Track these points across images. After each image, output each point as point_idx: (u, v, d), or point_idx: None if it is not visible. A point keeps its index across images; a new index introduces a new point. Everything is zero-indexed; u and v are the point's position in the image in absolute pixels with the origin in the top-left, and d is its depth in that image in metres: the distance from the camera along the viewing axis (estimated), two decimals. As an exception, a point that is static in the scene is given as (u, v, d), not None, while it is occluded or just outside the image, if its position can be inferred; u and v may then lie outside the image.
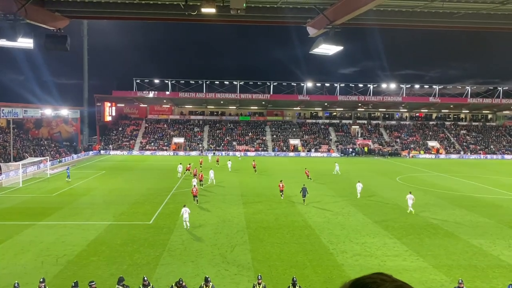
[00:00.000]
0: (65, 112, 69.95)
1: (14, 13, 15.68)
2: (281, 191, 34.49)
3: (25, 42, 16.20)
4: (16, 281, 13.92)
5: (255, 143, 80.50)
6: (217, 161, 57.59)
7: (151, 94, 79.76)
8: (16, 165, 43.24)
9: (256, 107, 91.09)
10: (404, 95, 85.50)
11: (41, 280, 14.02)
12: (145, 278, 14.40)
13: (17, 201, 32.85)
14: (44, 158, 51.17)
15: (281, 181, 35.25)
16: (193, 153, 74.73)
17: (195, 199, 31.93)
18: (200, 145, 78.83)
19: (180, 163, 47.08)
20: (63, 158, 60.78)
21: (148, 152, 75.48)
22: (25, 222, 26.09)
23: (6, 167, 43.34)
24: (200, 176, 39.49)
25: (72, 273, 17.79)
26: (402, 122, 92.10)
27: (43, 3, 18.03)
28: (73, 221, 26.49)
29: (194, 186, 33.80)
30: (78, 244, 21.71)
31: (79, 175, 46.71)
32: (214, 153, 69.87)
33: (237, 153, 72.38)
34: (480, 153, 79.42)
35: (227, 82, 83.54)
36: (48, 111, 64.11)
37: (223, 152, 74.87)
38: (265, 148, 78.83)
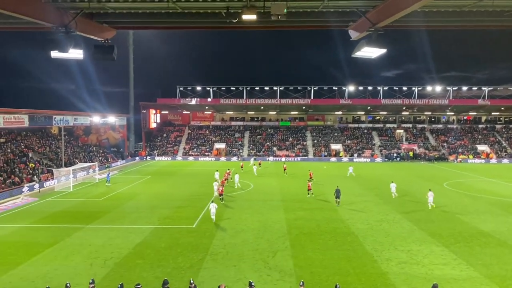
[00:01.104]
0: (112, 119, 72.63)
1: (65, 25, 16.52)
2: (309, 190, 37.73)
3: (76, 53, 17.01)
4: (68, 282, 14.53)
5: (295, 148, 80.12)
6: (241, 166, 59.06)
7: (193, 101, 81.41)
8: (67, 170, 45.27)
9: (297, 112, 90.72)
10: (450, 98, 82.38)
11: (91, 281, 14.55)
12: (192, 281, 14.62)
13: (68, 205, 34.38)
14: (92, 163, 53.30)
15: (308, 180, 39.99)
16: (234, 158, 75.33)
17: (221, 198, 34.76)
18: (240, 151, 79.40)
19: (217, 170, 46.05)
20: (110, 164, 63.02)
21: (191, 158, 76.91)
22: (75, 225, 27.24)
23: (58, 173, 45.47)
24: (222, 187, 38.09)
25: (119, 275, 18.36)
26: (449, 126, 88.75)
27: (92, 15, 18.89)
28: (120, 225, 27.38)
29: (222, 186, 36.76)
30: (125, 247, 22.40)
31: (125, 180, 48.27)
32: (255, 158, 70.04)
33: (251, 159, 68.70)
34: (535, 158, 75.10)
35: (267, 88, 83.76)
36: (96, 119, 66.81)
37: (266, 157, 74.90)
38: (305, 153, 78.27)
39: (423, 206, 33.22)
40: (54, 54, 17.02)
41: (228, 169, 49.00)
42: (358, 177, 50.17)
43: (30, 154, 51.43)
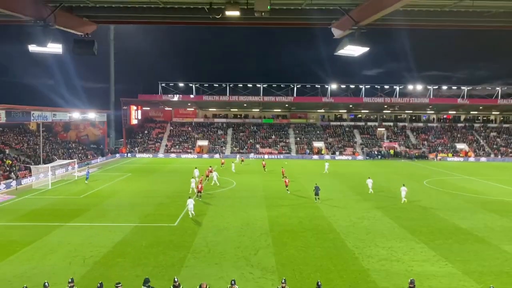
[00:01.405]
0: (92, 115, 71.51)
1: (44, 19, 16.10)
2: (286, 186, 38.88)
3: (54, 47, 16.60)
4: (46, 281, 14.20)
5: (278, 145, 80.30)
6: (222, 163, 59.75)
7: (175, 98, 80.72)
8: (45, 167, 44.40)
9: (280, 110, 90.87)
10: (431, 97, 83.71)
11: (70, 280, 14.26)
12: (176, 279, 14.48)
13: (46, 202, 33.69)
14: (72, 160, 52.38)
15: (286, 177, 41.82)
16: (216, 156, 75.02)
17: (199, 194, 34.93)
18: (223, 148, 79.20)
19: (196, 167, 46.06)
20: (90, 161, 62.07)
21: (173, 155, 76.33)
22: (53, 223, 26.69)
23: (36, 170, 44.54)
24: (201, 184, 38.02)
25: (99, 274, 18.05)
26: (429, 124, 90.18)
27: (71, 9, 18.47)
28: (100, 223, 26.96)
29: (201, 184, 36.95)
30: (105, 246, 22.05)
31: (106, 177, 47.58)
32: (241, 156, 70.21)
33: (237, 156, 70.29)
34: (511, 156, 76.92)
35: (250, 85, 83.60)
36: (76, 115, 65.70)
37: (248, 154, 74.82)
38: (288, 151, 78.50)
39: (404, 204, 33.65)
40: (32, 48, 16.57)
41: (210, 166, 48.79)
42: (339, 175, 50.53)
43: (7, 151, 50.24)
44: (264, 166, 55.29)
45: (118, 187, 41.37)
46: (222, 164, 57.91)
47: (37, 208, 31.55)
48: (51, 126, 66.53)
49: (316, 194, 34.43)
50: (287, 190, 38.52)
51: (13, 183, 41.05)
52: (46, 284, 13.96)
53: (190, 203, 28.83)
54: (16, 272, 18.23)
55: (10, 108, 49.12)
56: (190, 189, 37.61)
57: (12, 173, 43.58)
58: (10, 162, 46.55)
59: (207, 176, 44.60)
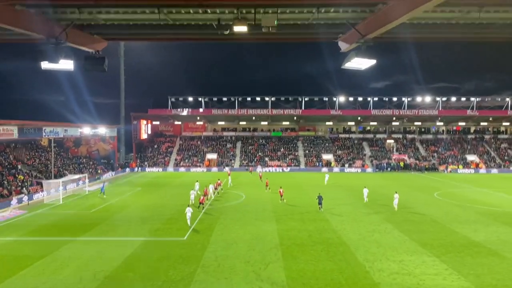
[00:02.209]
0: (102, 130, 72.20)
1: (56, 36, 16.49)
2: (281, 196, 40.35)
3: (66, 64, 16.96)
4: None
5: (287, 158, 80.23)
6: (229, 174, 60.10)
7: (185, 112, 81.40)
8: (56, 182, 44.79)
9: (288, 123, 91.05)
10: (440, 108, 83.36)
11: (80, 295, 14.33)
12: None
13: (57, 217, 33.95)
14: (82, 175, 52.82)
15: (280, 187, 42.08)
16: (226, 169, 75.08)
17: (200, 206, 36.48)
18: (232, 161, 79.35)
19: (197, 181, 46.91)
20: (101, 176, 62.53)
21: (182, 169, 76.61)
22: (64, 238, 26.88)
23: (47, 185, 44.96)
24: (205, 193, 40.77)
25: (109, 288, 18.10)
26: (439, 136, 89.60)
27: (82, 27, 18.89)
28: (110, 237, 27.08)
29: (204, 196, 38.83)
30: (115, 260, 22.12)
31: (116, 192, 47.86)
32: (261, 169, 71.99)
33: (259, 169, 72.42)
34: (523, 167, 76.00)
35: (259, 98, 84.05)
36: (86, 130, 66.41)
37: (258, 167, 74.96)
38: (297, 164, 78.39)
39: (414, 216, 33.36)
40: (45, 65, 16.96)
41: (219, 179, 48.84)
42: (348, 187, 50.22)
43: (19, 166, 50.87)
44: (261, 177, 57.34)
45: (128, 201, 41.57)
46: (228, 175, 57.87)
47: (48, 223, 31.80)
48: (62, 142, 67.30)
49: (320, 203, 35.72)
50: (282, 199, 40.04)
51: (25, 198, 41.47)
52: None
53: (188, 211, 30.30)
54: (27, 287, 18.35)
55: (23, 124, 49.86)
56: (190, 200, 38.31)
57: (24, 188, 44.05)
58: (22, 177, 47.09)
59: (216, 188, 44.64)
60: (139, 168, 76.79)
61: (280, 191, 41.11)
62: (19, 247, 24.91)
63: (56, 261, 22.00)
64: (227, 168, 73.32)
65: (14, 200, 39.96)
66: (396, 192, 37.94)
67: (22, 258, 22.52)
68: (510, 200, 41.81)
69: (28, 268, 20.90)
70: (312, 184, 54.09)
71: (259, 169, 72.27)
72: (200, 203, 36.55)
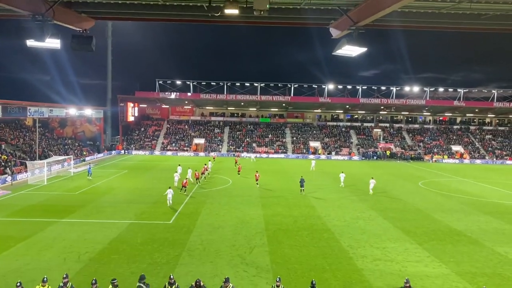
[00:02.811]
0: (89, 112, 71.29)
1: (42, 14, 16.06)
2: (257, 180, 41.07)
3: (53, 43, 16.56)
4: (19, 281, 13.99)
5: (275, 145, 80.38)
6: (214, 158, 62.50)
7: (173, 95, 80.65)
8: (41, 163, 44.25)
9: (277, 109, 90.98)
10: (427, 98, 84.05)
11: (65, 276, 14.24)
12: (171, 277, 14.46)
13: (42, 198, 33.60)
14: (68, 156, 52.23)
15: (256, 171, 42.95)
16: (212, 154, 74.98)
17: (183, 189, 36.08)
18: (219, 146, 79.24)
19: (179, 165, 47.19)
20: (86, 157, 61.93)
21: (169, 153, 76.27)
22: (49, 219, 26.65)
23: (31, 165, 44.38)
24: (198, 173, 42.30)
25: (94, 270, 18.06)
26: (425, 126, 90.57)
27: (70, 4, 18.43)
28: (95, 219, 26.93)
29: (186, 179, 38.61)
30: (100, 242, 22.04)
31: (102, 174, 47.49)
32: (255, 156, 72.50)
33: (252, 155, 72.55)
34: (506, 159, 77.40)
35: (248, 84, 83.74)
36: (72, 111, 65.52)
37: (245, 154, 75.04)
38: (284, 150, 78.61)
39: (398, 205, 33.84)
40: (30, 43, 16.53)
41: (205, 164, 48.79)
42: (334, 175, 50.56)
43: (3, 146, 50.04)
44: (236, 162, 57.40)
45: (114, 184, 41.31)
46: (213, 158, 58.53)
47: (32, 203, 31.48)
48: (47, 122, 66.30)
49: (302, 186, 37.27)
50: (257, 184, 41.02)
51: (9, 178, 40.91)
52: (18, 284, 13.76)
53: (169, 193, 31.20)
54: (11, 268, 18.20)
55: (6, 103, 48.90)
56: (174, 182, 39.15)
57: (8, 169, 43.42)
58: (6, 157, 46.37)
59: (203, 173, 44.54)
60: (126, 151, 76.20)
61: (256, 175, 41.76)
62: (2, 228, 24.63)
63: (40, 242, 21.84)
64: (213, 153, 73.33)
65: (-3, 180, 39.39)
66: (372, 178, 40.03)
67: (5, 239, 22.29)
68: (492, 191, 42.64)
69: (12, 249, 20.71)
70: (298, 171, 54.24)
71: (251, 155, 72.12)
72: (183, 186, 36.38)
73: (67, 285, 13.80)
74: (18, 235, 22.94)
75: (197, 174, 41.92)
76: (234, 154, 72.93)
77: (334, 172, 52.85)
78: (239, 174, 48.31)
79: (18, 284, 13.64)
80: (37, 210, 29.43)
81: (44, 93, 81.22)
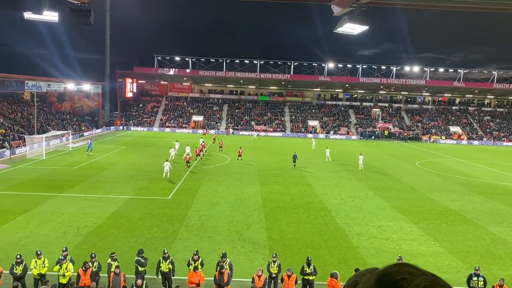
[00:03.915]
0: (87, 87, 70.85)
1: (39, -14, 15.76)
2: (239, 155, 42.30)
3: (50, 15, 16.30)
4: (19, 253, 14.27)
5: (273, 123, 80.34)
6: (204, 134, 62.82)
7: (171, 72, 80.00)
8: (39, 137, 44.24)
9: (276, 87, 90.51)
10: (427, 79, 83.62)
11: (64, 249, 14.47)
12: (165, 251, 14.71)
13: (40, 172, 33.74)
14: (66, 131, 52.19)
15: (240, 147, 44.02)
16: (212, 131, 74.98)
17: (188, 165, 37.44)
18: (218, 124, 79.18)
19: (177, 140, 48.75)
20: (84, 133, 61.89)
21: (167, 129, 76.23)
22: (47, 193, 26.84)
23: (30, 140, 44.38)
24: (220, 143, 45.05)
25: (93, 244, 18.31)
26: (424, 106, 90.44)
27: (67, -24, 18.05)
28: (94, 194, 27.12)
29: (188, 154, 39.21)
30: (99, 217, 22.27)
31: (100, 150, 47.57)
32: (258, 134, 72.27)
33: (254, 133, 72.49)
34: (503, 140, 77.65)
35: (247, 61, 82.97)
36: (70, 86, 65.08)
37: (242, 131, 75.07)
38: (283, 129, 78.62)
39: (395, 184, 34.12)
40: (28, 15, 16.26)
41: (203, 141, 48.89)
42: (333, 154, 50.76)
43: (1, 120, 49.90)
44: (214, 139, 57.25)
45: (113, 159, 41.42)
46: (214, 139, 58.20)
47: (31, 177, 31.63)
48: (45, 97, 65.97)
49: (294, 161, 39.08)
50: (240, 159, 42.17)
51: (7, 152, 40.95)
52: (39, 252, 14.16)
53: (166, 165, 32.66)
54: (11, 240, 18.44)
55: (4, 77, 48.52)
56: (170, 157, 39.75)
57: (6, 143, 43.42)
58: (4, 131, 46.31)
59: (201, 150, 44.54)
60: (124, 127, 76.11)
61: (239, 151, 43.16)
62: (2, 201, 24.82)
63: (39, 216, 22.06)
64: (202, 130, 73.36)
65: (-5, 154, 39.45)
66: (360, 154, 41.93)
67: (5, 212, 22.50)
68: (488, 171, 42.94)
69: (11, 222, 20.94)
70: (297, 150, 54.41)
71: (254, 133, 71.91)
72: (186, 162, 37.51)
73: (67, 258, 14.03)
74: (17, 209, 23.15)
75: (197, 150, 42.05)
76: (226, 133, 72.95)
77: (331, 151, 53.04)
78: (220, 150, 49.07)
79: (18, 256, 13.89)
80: (36, 184, 29.59)
81: (42, 67, 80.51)
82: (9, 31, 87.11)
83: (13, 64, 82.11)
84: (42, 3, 14.98)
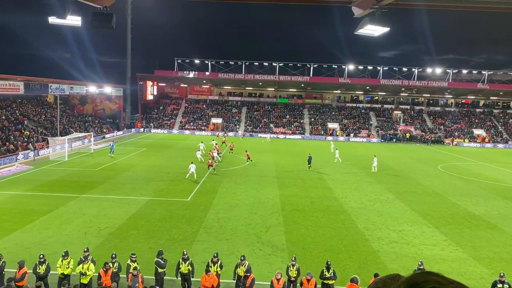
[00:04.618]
0: (108, 89, 71.97)
1: (63, -10, 16.08)
2: (248, 158, 42.99)
3: (74, 20, 16.62)
4: (42, 253, 14.51)
5: (292, 125, 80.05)
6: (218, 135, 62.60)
7: (191, 74, 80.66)
8: (62, 139, 45.12)
9: (295, 90, 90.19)
10: (450, 80, 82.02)
11: (86, 249, 14.66)
12: (185, 252, 14.75)
13: (63, 174, 34.38)
14: (88, 133, 53.09)
15: (246, 151, 44.95)
16: (230, 134, 75.25)
17: (210, 168, 37.68)
18: (235, 126, 79.34)
19: (202, 142, 49.50)
20: (106, 135, 62.87)
21: (187, 131, 76.79)
22: (69, 194, 27.31)
23: (53, 141, 45.32)
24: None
25: (113, 245, 18.52)
26: (446, 109, 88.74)
27: (90, -19, 18.36)
28: (115, 195, 27.47)
29: (211, 159, 40.24)
30: (119, 218, 22.53)
31: (121, 151, 48.21)
32: (271, 137, 72.00)
33: (268, 136, 72.21)
34: (529, 144, 75.56)
35: (266, 64, 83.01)
36: (92, 88, 66.23)
37: (261, 134, 75.05)
38: (302, 131, 78.27)
39: (417, 188, 33.53)
40: (52, 20, 16.62)
41: (216, 143, 49.33)
42: (353, 157, 50.29)
43: (26, 122, 51.12)
44: (224, 142, 56.33)
45: (133, 161, 41.93)
46: (223, 142, 57.34)
47: (54, 179, 32.26)
48: (68, 99, 67.28)
49: (309, 163, 39.59)
50: (250, 160, 42.80)
51: (31, 154, 41.90)
52: (66, 252, 14.40)
53: (192, 167, 33.38)
54: (34, 240, 18.81)
55: (29, 80, 49.68)
56: (198, 159, 41.48)
57: (30, 144, 44.44)
58: (28, 133, 47.41)
59: (219, 153, 44.65)
60: (145, 129, 77.03)
61: (247, 154, 43.82)
62: (26, 201, 25.37)
63: (62, 217, 22.45)
64: (229, 133, 73.40)
65: (20, 155, 40.41)
66: (374, 156, 41.60)
67: (29, 212, 22.99)
68: (514, 176, 41.79)
69: (35, 222, 21.36)
70: (315, 153, 54.08)
71: (267, 136, 71.95)
72: (209, 166, 37.56)
73: (88, 258, 14.21)
74: (41, 209, 23.62)
75: (211, 153, 42.16)
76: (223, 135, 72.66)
77: (352, 154, 52.53)
78: (231, 152, 49.20)
79: (41, 256, 14.13)
80: (59, 185, 30.15)
81: (65, 70, 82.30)
82: (35, 35, 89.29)
83: (37, 67, 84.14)
84: (66, 8, 15.28)
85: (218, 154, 43.87)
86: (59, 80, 57.07)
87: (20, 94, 51.13)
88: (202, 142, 48.84)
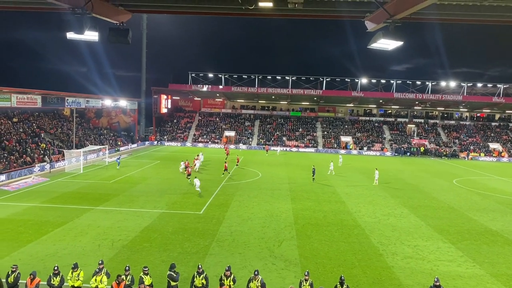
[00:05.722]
0: (123, 103, 72.95)
1: (81, 7, 16.49)
2: (237, 162, 48.31)
3: (91, 35, 17.00)
4: (56, 265, 14.62)
5: (305, 139, 79.91)
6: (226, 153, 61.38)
7: (205, 88, 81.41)
8: (77, 152, 45.73)
9: (308, 103, 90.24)
10: (464, 94, 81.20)
11: (100, 262, 14.72)
12: (200, 266, 14.71)
13: (78, 186, 34.76)
14: (103, 146, 53.71)
15: (237, 155, 50.24)
16: (243, 146, 75.42)
17: (225, 172, 42.52)
18: (248, 139, 79.49)
19: (202, 152, 52.86)
20: (120, 147, 63.51)
21: (200, 144, 77.16)
22: (84, 206, 27.57)
23: (68, 154, 45.94)
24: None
25: (126, 257, 18.59)
26: (461, 122, 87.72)
27: (107, -3, 18.79)
28: (128, 208, 27.65)
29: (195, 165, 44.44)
30: (133, 230, 22.65)
31: (135, 164, 48.62)
32: (280, 150, 72.11)
33: (278, 148, 72.06)
34: (547, 158, 74.06)
35: (279, 77, 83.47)
36: (108, 102, 67.19)
37: (273, 147, 75.05)
38: (315, 145, 78.03)
39: (432, 202, 33.06)
40: (70, 35, 17.04)
41: (237, 155, 49.77)
42: (366, 170, 49.84)
43: (42, 135, 51.96)
44: (227, 154, 58.74)
45: (147, 173, 42.22)
46: (227, 153, 59.80)
47: (69, 191, 32.63)
48: (84, 112, 68.29)
49: (313, 174, 41.03)
50: (236, 167, 46.56)
51: (47, 166, 42.51)
52: (75, 264, 14.48)
53: (197, 181, 33.44)
54: (49, 252, 18.98)
55: (46, 94, 50.65)
56: (195, 168, 43.83)
57: (46, 157, 45.10)
58: (45, 145, 48.16)
59: (236, 165, 45.64)
60: (158, 142, 77.66)
61: (237, 158, 49.12)
62: (41, 213, 25.68)
63: (76, 229, 22.64)
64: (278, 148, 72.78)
65: (36, 167, 41.02)
66: (376, 169, 42.10)
67: (44, 224, 23.25)
68: (532, 191, 40.95)
69: (49, 234, 21.59)
70: (327, 166, 53.83)
71: (277, 148, 72.04)
72: (225, 170, 42.43)
73: (102, 271, 14.28)
74: (56, 221, 23.89)
75: (194, 161, 45.87)
76: (263, 148, 72.96)
77: (365, 168, 52.13)
78: (237, 166, 48.98)
79: (56, 268, 14.25)
80: (73, 197, 30.48)
81: (81, 84, 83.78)
82: (52, 50, 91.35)
83: (55, 81, 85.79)
84: (84, 24, 15.64)
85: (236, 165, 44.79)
86: (75, 94, 58.09)
87: (38, 108, 52.13)
88: (202, 152, 52.22)
